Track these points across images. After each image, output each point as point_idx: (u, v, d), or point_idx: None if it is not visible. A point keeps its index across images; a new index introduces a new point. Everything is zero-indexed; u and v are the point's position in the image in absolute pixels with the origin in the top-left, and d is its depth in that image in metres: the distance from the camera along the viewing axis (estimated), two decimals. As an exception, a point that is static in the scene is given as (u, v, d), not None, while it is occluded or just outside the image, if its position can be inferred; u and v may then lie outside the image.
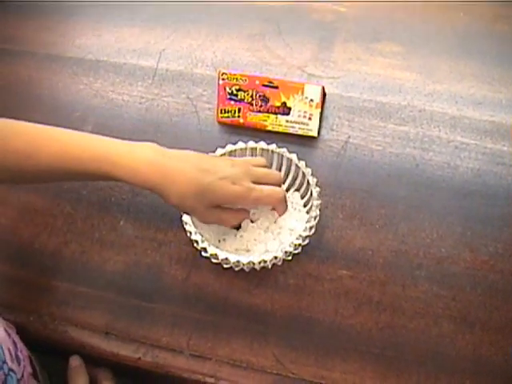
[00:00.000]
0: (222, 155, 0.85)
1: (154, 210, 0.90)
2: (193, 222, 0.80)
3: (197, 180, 0.75)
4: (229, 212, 0.80)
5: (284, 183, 0.87)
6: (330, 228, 0.86)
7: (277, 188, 0.81)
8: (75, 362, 0.82)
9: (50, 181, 0.89)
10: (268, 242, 0.83)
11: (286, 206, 0.82)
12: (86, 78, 1.03)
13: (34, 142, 0.77)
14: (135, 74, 1.02)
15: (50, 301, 0.85)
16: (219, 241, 0.84)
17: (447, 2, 1.02)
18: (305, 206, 0.85)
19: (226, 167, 0.78)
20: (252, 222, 0.84)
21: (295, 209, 0.85)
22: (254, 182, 0.79)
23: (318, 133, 0.93)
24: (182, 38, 1.04)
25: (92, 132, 0.95)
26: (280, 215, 0.83)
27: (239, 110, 0.94)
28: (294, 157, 0.84)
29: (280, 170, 0.86)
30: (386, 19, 1.02)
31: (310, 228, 0.80)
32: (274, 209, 0.83)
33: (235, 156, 0.86)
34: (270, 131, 0.93)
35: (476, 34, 0.99)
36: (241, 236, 0.84)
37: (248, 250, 0.83)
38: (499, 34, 0.99)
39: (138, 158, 0.75)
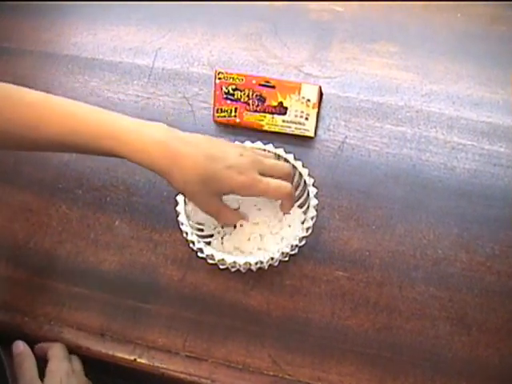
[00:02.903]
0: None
1: (150, 210, 0.90)
2: (188, 222, 0.79)
3: (204, 167, 0.74)
4: (228, 208, 0.80)
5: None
6: (327, 229, 0.86)
7: (283, 182, 0.79)
8: (18, 348, 0.80)
9: (51, 151, 0.85)
10: (263, 241, 0.83)
11: (293, 202, 0.81)
12: (82, 77, 1.02)
13: (40, 113, 0.75)
14: (131, 72, 1.02)
15: (45, 301, 0.85)
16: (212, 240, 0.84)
17: (444, 3, 1.02)
18: (301, 206, 0.84)
19: (235, 155, 0.77)
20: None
21: (291, 211, 0.85)
22: (262, 174, 0.77)
23: (315, 133, 0.92)
24: (179, 36, 1.04)
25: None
26: (285, 212, 0.82)
27: (235, 109, 0.93)
28: (290, 157, 0.83)
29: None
30: (383, 19, 1.02)
31: (307, 229, 0.79)
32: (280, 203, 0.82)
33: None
34: (266, 131, 0.93)
35: (473, 35, 0.99)
36: (235, 234, 0.84)
37: (242, 251, 0.83)
38: (496, 35, 0.99)
39: (147, 137, 0.74)
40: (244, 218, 0.82)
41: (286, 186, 0.79)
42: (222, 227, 0.84)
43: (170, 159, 0.74)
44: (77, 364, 0.81)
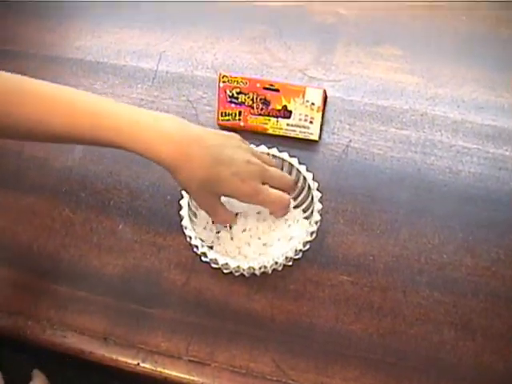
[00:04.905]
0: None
1: (154, 213, 0.90)
2: (192, 226, 0.79)
3: (209, 169, 0.74)
4: (224, 209, 0.80)
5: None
6: (331, 233, 0.86)
7: (283, 195, 0.80)
8: None
9: (58, 142, 0.84)
10: (265, 246, 0.83)
11: (287, 212, 0.82)
12: (86, 80, 1.02)
13: (46, 107, 0.75)
14: (135, 75, 1.01)
15: (48, 305, 0.85)
16: (212, 242, 0.84)
17: (450, 6, 1.01)
18: (306, 210, 0.84)
19: (242, 163, 0.77)
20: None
21: (294, 215, 0.85)
22: (265, 183, 0.79)
23: (319, 136, 0.92)
24: (183, 39, 1.04)
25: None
26: (276, 217, 0.83)
27: (240, 113, 0.93)
28: (294, 161, 0.83)
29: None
30: (387, 22, 1.01)
31: (311, 233, 0.79)
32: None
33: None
34: (270, 135, 0.93)
35: (478, 38, 0.98)
36: (232, 239, 0.84)
37: (244, 255, 0.82)
38: (502, 38, 0.98)
39: (159, 131, 0.74)
40: (234, 221, 0.83)
41: (284, 199, 0.81)
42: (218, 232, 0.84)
43: (179, 157, 0.74)
44: None
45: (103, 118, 0.75)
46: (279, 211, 0.81)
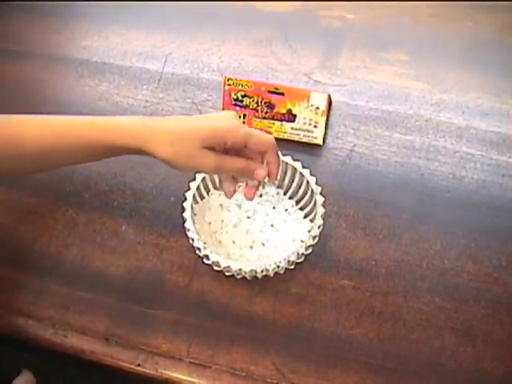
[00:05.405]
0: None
1: (157, 215, 0.90)
2: (195, 228, 0.79)
3: (180, 124, 0.73)
4: (227, 157, 0.74)
5: (288, 191, 0.86)
6: (334, 237, 0.86)
7: (268, 134, 0.75)
8: None
9: (45, 167, 0.84)
10: (264, 247, 0.83)
11: (279, 157, 0.76)
12: (92, 81, 1.02)
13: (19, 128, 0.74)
14: (141, 77, 1.02)
15: (49, 305, 0.85)
16: (215, 244, 0.84)
17: (455, 12, 1.01)
18: (308, 214, 0.84)
19: (218, 113, 0.76)
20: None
21: (297, 219, 0.85)
22: None
23: (323, 141, 0.92)
24: (189, 42, 1.04)
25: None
26: (273, 171, 0.75)
27: (244, 116, 0.93)
28: (298, 165, 0.83)
29: (284, 178, 0.86)
30: (393, 27, 1.01)
31: (314, 237, 0.79)
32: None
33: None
34: (274, 138, 0.92)
35: (484, 44, 0.99)
36: (234, 242, 0.84)
37: (247, 259, 0.83)
38: (507, 45, 0.98)
39: (124, 119, 0.74)
40: (251, 163, 0.75)
41: (270, 137, 0.75)
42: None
43: (149, 128, 0.72)
44: None
45: (77, 120, 0.75)
46: (270, 149, 0.74)
